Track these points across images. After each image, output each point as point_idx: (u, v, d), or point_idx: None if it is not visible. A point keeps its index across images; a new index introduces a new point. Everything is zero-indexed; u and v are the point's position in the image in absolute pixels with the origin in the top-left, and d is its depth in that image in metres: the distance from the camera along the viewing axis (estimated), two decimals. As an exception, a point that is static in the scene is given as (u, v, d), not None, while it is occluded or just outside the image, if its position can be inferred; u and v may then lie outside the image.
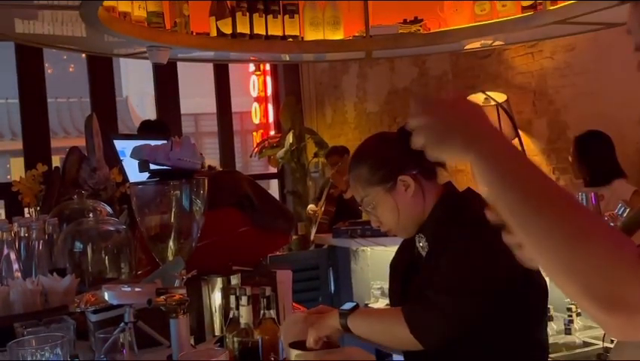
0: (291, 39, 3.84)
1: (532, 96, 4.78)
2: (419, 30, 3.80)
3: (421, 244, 1.73)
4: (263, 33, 3.75)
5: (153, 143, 1.91)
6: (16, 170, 12.94)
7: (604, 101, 4.08)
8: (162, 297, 1.31)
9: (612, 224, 2.83)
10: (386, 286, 3.81)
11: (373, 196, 1.72)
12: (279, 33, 3.79)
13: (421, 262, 1.72)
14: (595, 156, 3.57)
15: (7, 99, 13.06)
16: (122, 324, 1.28)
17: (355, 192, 1.78)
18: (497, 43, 4.48)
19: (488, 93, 4.61)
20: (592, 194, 3.03)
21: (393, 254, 3.79)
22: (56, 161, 7.49)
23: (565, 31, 3.92)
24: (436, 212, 1.71)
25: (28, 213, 2.66)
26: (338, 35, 3.89)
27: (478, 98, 4.66)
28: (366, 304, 3.91)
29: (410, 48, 4.08)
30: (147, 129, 4.31)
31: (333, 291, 4.17)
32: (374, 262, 3.97)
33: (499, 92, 4.71)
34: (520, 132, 4.53)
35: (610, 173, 3.47)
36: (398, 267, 1.89)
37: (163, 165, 1.79)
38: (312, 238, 5.79)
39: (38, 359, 1.01)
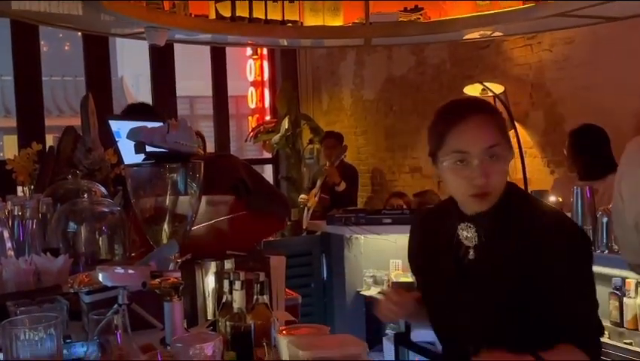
0: (290, 24, 3.82)
1: (529, 88, 4.77)
2: (420, 18, 3.79)
3: (467, 234, 1.57)
4: (263, 17, 3.73)
5: (149, 125, 1.90)
6: (9, 147, 12.87)
7: (601, 95, 4.08)
8: (157, 280, 1.31)
9: (606, 219, 2.85)
10: (378, 274, 3.85)
11: (503, 146, 1.51)
12: (279, 18, 3.77)
13: (463, 253, 1.58)
14: (589, 150, 3.57)
15: (0, 76, 12.97)
16: (115, 306, 1.28)
17: (489, 134, 1.51)
18: (496, 34, 4.47)
19: (485, 84, 4.60)
20: (587, 188, 3.04)
21: (386, 243, 3.82)
22: (50, 140, 7.45)
23: (564, 23, 3.91)
24: (512, 204, 1.55)
25: (22, 191, 2.65)
26: (338, 22, 3.87)
27: (475, 88, 4.65)
28: (358, 292, 3.93)
29: (410, 36, 4.07)
30: (133, 113, 4.24)
31: (325, 278, 4.17)
32: (367, 250, 3.97)
33: (496, 83, 4.70)
34: (516, 124, 4.53)
35: (604, 167, 3.48)
36: (436, 257, 1.68)
37: (159, 148, 1.78)
38: (304, 225, 5.80)
39: (32, 339, 1.00)
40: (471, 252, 1.57)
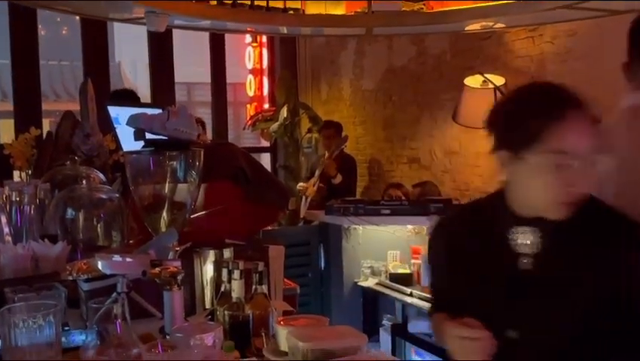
0: (291, 11, 3.79)
1: (530, 80, 4.75)
2: (423, 8, 3.77)
3: (525, 241, 1.39)
4: (264, 4, 3.71)
5: (149, 111, 1.88)
6: (5, 131, 12.80)
7: (603, 88, 4.04)
8: (157, 269, 1.30)
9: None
10: (376, 265, 3.84)
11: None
12: (280, 5, 3.74)
13: (515, 261, 1.40)
14: None
15: (-2, 60, 12.89)
16: (115, 294, 1.27)
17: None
18: (498, 25, 4.45)
19: (486, 75, 4.58)
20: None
21: (384, 233, 3.82)
22: (47, 124, 7.42)
23: (567, 16, 3.89)
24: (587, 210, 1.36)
25: (20, 176, 2.63)
26: (339, 10, 3.84)
27: (476, 79, 4.63)
28: (355, 283, 3.92)
29: (412, 26, 4.05)
30: (117, 99, 4.19)
31: (323, 268, 4.17)
32: (365, 240, 3.97)
33: (497, 75, 4.68)
34: (516, 117, 4.51)
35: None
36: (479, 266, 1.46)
37: (158, 135, 1.76)
38: (302, 214, 5.80)
39: (30, 326, 0.99)
40: (527, 260, 1.39)
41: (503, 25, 4.45)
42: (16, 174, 2.75)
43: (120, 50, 14.68)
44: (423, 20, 3.88)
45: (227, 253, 1.86)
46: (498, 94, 4.51)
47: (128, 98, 4.03)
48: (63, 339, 1.24)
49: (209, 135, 7.06)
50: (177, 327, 1.27)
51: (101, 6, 3.99)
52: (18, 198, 1.91)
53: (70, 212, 1.96)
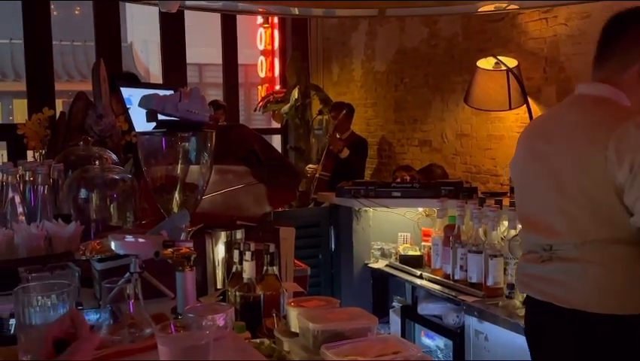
0: (303, -8, 3.76)
1: (543, 63, 4.71)
2: (435, -11, 3.72)
3: None
4: (275, -15, 3.68)
5: (161, 92, 1.88)
6: (19, 111, 12.88)
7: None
8: (169, 250, 1.31)
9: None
10: (386, 247, 3.85)
11: None
12: (291, -15, 3.72)
13: None
14: None
15: (10, 40, 12.92)
16: (127, 274, 1.28)
17: None
18: (511, 6, 4.40)
19: (499, 58, 4.54)
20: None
21: (395, 216, 3.82)
22: (59, 104, 7.45)
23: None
24: None
25: (33, 156, 2.65)
26: (351, -10, 3.82)
27: (489, 62, 4.60)
28: (365, 264, 3.93)
29: (425, 8, 4.01)
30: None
31: (333, 249, 4.18)
32: (376, 222, 3.97)
33: (510, 57, 4.64)
34: (529, 99, 4.48)
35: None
36: None
37: (171, 116, 1.77)
38: (312, 195, 5.82)
39: (44, 305, 1.00)
40: None
41: (516, 7, 4.40)
42: (30, 154, 2.77)
43: (132, 30, 14.66)
44: (436, 1, 3.84)
45: (239, 235, 1.88)
46: (511, 76, 4.48)
47: (129, 81, 4.04)
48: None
49: (220, 116, 7.07)
50: (189, 308, 1.28)
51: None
52: (32, 178, 1.92)
53: (83, 192, 1.98)
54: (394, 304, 3.68)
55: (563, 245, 1.87)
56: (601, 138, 1.74)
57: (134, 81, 3.89)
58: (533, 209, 1.99)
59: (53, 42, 6.82)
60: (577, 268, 1.83)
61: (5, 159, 5.73)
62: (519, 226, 2.33)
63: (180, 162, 1.80)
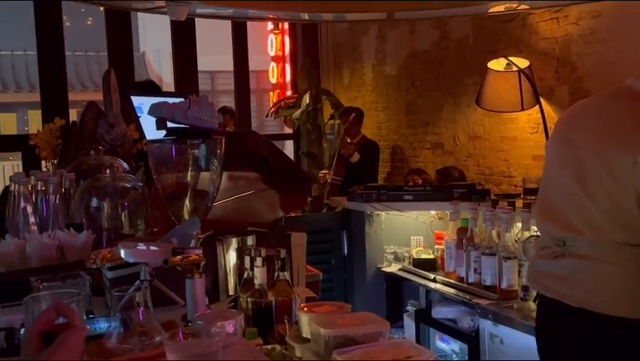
0: (312, -3, 3.77)
1: (555, 63, 4.68)
2: (443, -8, 3.71)
3: None
4: (284, -9, 3.69)
5: (171, 100, 1.89)
6: (33, 122, 13.01)
7: (628, 70, 3.97)
8: (178, 257, 1.31)
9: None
10: (399, 250, 3.84)
11: None
12: (300, -9, 3.73)
13: None
14: None
15: (25, 51, 13.06)
16: (137, 282, 1.28)
17: None
18: (522, 7, 4.38)
19: (510, 58, 4.52)
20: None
21: (407, 219, 3.81)
22: (73, 114, 7.51)
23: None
24: None
25: (46, 166, 2.67)
26: (360, -5, 3.82)
27: (500, 63, 4.58)
28: (378, 268, 3.92)
29: (434, 10, 4.00)
30: (138, 89, 4.22)
31: (346, 254, 4.17)
32: (388, 226, 3.96)
33: (521, 58, 4.62)
34: (541, 99, 4.45)
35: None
36: None
37: (180, 124, 1.77)
38: (325, 200, 5.82)
39: (54, 315, 1.01)
40: None
41: (527, 7, 4.38)
42: (43, 164, 2.79)
43: (145, 39, 14.78)
44: (445, 3, 3.83)
45: (250, 241, 1.88)
46: (523, 77, 4.45)
47: (149, 89, 4.06)
48: (87, 327, 1.26)
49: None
50: (198, 315, 1.28)
51: (123, -4, 4.02)
52: (44, 188, 1.94)
53: (95, 201, 1.99)
54: (408, 308, 3.66)
55: (577, 241, 1.83)
56: (634, 141, 1.69)
57: (154, 89, 3.92)
58: (553, 197, 1.94)
59: (66, 53, 6.88)
60: (589, 267, 1.79)
61: (20, 169, 5.79)
62: (533, 221, 2.28)
63: (190, 169, 1.80)
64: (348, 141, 6.07)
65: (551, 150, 2.01)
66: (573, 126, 1.93)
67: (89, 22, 14.10)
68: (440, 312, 3.31)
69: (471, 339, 3.08)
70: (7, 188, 2.10)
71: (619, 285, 1.75)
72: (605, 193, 1.76)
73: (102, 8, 6.86)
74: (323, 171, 6.50)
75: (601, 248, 1.78)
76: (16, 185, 1.90)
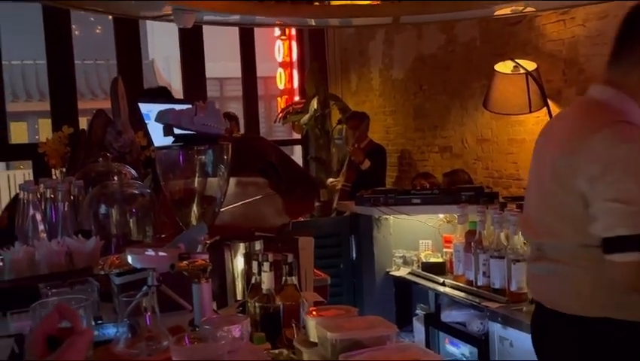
0: (317, 3, 3.78)
1: (563, 65, 4.67)
2: (449, -5, 3.72)
3: None
4: (290, -3, 3.71)
5: (177, 107, 1.90)
6: (44, 131, 13.10)
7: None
8: (184, 262, 1.32)
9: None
10: (408, 254, 3.83)
11: None
12: (306, -3, 3.74)
13: None
14: None
15: (35, 60, 13.17)
16: (145, 288, 1.29)
17: None
18: (528, 9, 4.37)
19: (517, 61, 4.51)
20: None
21: (415, 223, 3.81)
22: (83, 123, 7.56)
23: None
24: None
25: (54, 174, 2.69)
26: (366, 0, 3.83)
27: (507, 65, 4.57)
28: (387, 272, 3.91)
29: (440, 14, 4.00)
30: (150, 96, 4.24)
31: (354, 258, 4.17)
32: (396, 230, 3.95)
33: (529, 60, 4.61)
34: (549, 101, 4.44)
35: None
36: None
37: (187, 130, 1.78)
38: (334, 205, 5.82)
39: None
40: None
41: (533, 9, 4.37)
42: (53, 172, 2.82)
43: (154, 47, 14.87)
44: (450, 7, 3.83)
45: (257, 246, 1.88)
46: (530, 79, 4.45)
47: (161, 95, 4.08)
48: (95, 332, 1.27)
49: (241, 130, 7.12)
50: (205, 319, 1.29)
51: (131, 5, 4.04)
52: (52, 196, 1.95)
53: (103, 208, 2.00)
54: (417, 312, 3.66)
55: (545, 245, 1.91)
56: (574, 147, 1.74)
57: (165, 95, 3.94)
58: (526, 204, 2.06)
59: (76, 61, 6.94)
60: (554, 269, 1.86)
61: (31, 178, 5.83)
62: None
63: (197, 175, 1.81)
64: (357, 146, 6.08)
65: (532, 160, 2.12)
66: (543, 136, 2.02)
67: (98, 31, 14.19)
68: (449, 316, 3.30)
69: (481, 343, 3.07)
70: (16, 196, 2.12)
71: (573, 286, 1.81)
72: (556, 200, 1.82)
73: (110, 17, 6.91)
74: (331, 180, 6.51)
75: (562, 251, 1.84)
76: (25, 193, 1.92)
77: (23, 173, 10.66)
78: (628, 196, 1.63)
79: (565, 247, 1.83)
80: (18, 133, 14.11)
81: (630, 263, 1.63)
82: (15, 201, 2.18)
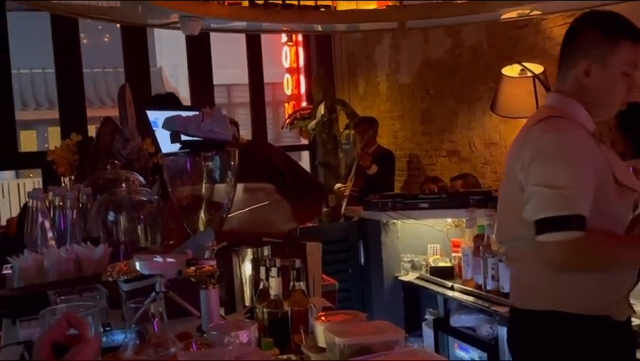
0: (323, 9, 3.79)
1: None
2: (455, -1, 3.72)
3: None
4: (296, 3, 3.72)
5: (184, 114, 1.91)
6: (53, 139, 13.18)
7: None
8: (192, 268, 1.32)
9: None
10: (416, 259, 3.82)
11: None
12: (312, 3, 3.75)
13: None
14: (635, 128, 3.47)
15: (44, 69, 13.26)
16: (153, 294, 1.30)
17: None
18: (535, 12, 4.37)
19: (524, 64, 4.50)
20: (631, 167, 2.95)
21: (424, 227, 3.80)
22: (92, 130, 7.60)
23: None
24: None
25: (64, 182, 2.71)
26: (371, 5, 3.83)
27: (514, 69, 4.56)
28: (396, 277, 3.91)
29: (445, 18, 4.00)
30: (158, 103, 4.26)
31: (363, 263, 4.17)
32: (405, 235, 3.95)
33: (536, 63, 4.60)
34: (557, 105, 4.43)
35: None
36: None
37: (194, 137, 1.79)
38: (342, 211, 5.81)
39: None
40: None
41: (540, 12, 4.36)
42: (63, 180, 2.83)
43: (161, 55, 14.94)
44: (456, 11, 3.83)
45: (265, 251, 1.88)
46: (537, 82, 4.43)
47: (168, 101, 4.10)
48: (104, 339, 1.28)
49: (249, 136, 7.15)
50: (213, 325, 1.29)
51: (138, 13, 4.07)
52: (61, 203, 1.96)
53: (112, 215, 2.01)
54: (426, 317, 3.65)
55: (506, 244, 2.05)
56: (518, 143, 1.89)
57: (174, 102, 3.96)
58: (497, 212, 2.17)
59: (85, 70, 6.98)
60: (512, 266, 2.03)
61: (40, 186, 5.86)
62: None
63: (204, 181, 1.81)
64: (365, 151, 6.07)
65: None
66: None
67: (106, 39, 14.28)
68: (458, 320, 3.29)
69: (491, 347, 3.05)
70: (25, 204, 2.14)
71: (529, 280, 1.91)
72: (509, 197, 1.94)
73: (118, 25, 6.95)
74: (339, 185, 6.51)
75: (516, 248, 1.95)
76: (34, 201, 1.93)
77: (33, 181, 10.72)
78: (553, 180, 1.74)
79: (518, 244, 1.91)
80: (27, 141, 14.20)
81: (559, 243, 1.72)
82: (25, 209, 2.19)
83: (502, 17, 4.39)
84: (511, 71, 4.58)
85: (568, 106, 1.87)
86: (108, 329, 1.38)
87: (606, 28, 1.87)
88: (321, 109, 7.27)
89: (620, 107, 1.91)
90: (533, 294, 1.88)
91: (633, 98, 1.91)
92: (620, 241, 1.83)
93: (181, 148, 1.85)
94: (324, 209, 6.12)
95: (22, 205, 4.90)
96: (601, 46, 1.85)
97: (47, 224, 1.86)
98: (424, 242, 3.85)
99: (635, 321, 2.23)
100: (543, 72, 4.52)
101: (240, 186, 1.97)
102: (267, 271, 1.64)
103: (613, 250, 1.81)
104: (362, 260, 4.16)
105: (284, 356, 1.46)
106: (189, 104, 6.95)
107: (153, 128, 2.88)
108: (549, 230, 1.72)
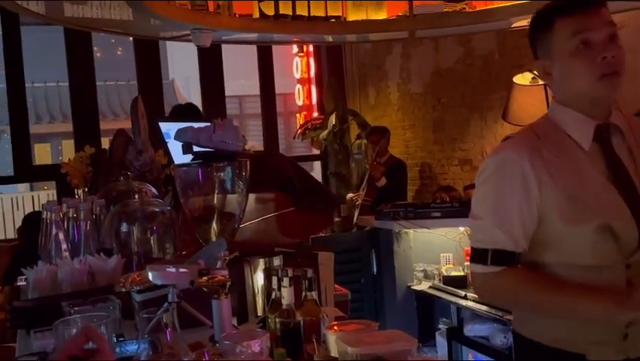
0: (333, 20, 3.81)
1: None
2: (465, 8, 3.73)
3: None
4: (306, 14, 3.74)
5: (196, 125, 1.92)
6: (67, 152, 13.31)
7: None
8: (204, 278, 1.33)
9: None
10: (429, 268, 3.81)
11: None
12: (322, 14, 3.77)
13: None
14: None
15: (58, 82, 13.40)
16: (165, 304, 1.30)
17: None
18: (545, 20, 4.35)
19: (536, 72, 4.49)
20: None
21: (436, 236, 3.80)
22: (106, 143, 7.65)
23: (615, 7, 3.78)
24: None
25: (77, 194, 2.73)
26: (381, 15, 3.84)
27: (525, 77, 4.55)
28: (408, 286, 3.89)
29: (455, 27, 4.01)
30: (179, 114, 4.30)
31: (375, 273, 4.16)
32: (417, 244, 3.94)
33: (547, 72, 4.58)
34: (568, 112, 4.41)
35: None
36: None
37: (206, 148, 1.80)
38: (354, 220, 5.81)
39: (84, 338, 1.03)
40: None
41: (550, 20, 4.35)
42: (77, 192, 2.86)
43: (174, 67, 15.05)
44: (466, 20, 3.84)
45: (277, 261, 1.89)
46: (549, 90, 4.42)
47: (188, 112, 4.13)
48: (118, 349, 1.28)
49: (260, 147, 7.17)
50: (225, 335, 1.29)
51: (151, 26, 4.11)
52: (75, 215, 1.98)
53: (124, 226, 2.02)
54: (440, 326, 3.63)
55: None
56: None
57: (194, 112, 3.99)
58: None
59: (98, 83, 7.05)
60: None
61: (55, 198, 5.91)
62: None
63: (216, 191, 1.82)
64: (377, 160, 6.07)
65: None
66: None
67: (119, 53, 14.43)
68: (472, 329, 3.27)
69: (504, 356, 3.03)
70: (27, 216, 2.15)
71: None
72: None
73: (131, 38, 7.02)
74: (351, 194, 6.51)
75: None
76: (48, 213, 1.95)
77: (47, 194, 10.80)
78: (475, 209, 1.67)
79: None
80: (41, 154, 14.33)
81: (477, 274, 1.65)
82: (31, 219, 2.21)
83: (512, 26, 4.39)
84: (522, 79, 4.57)
85: (559, 116, 1.72)
86: (121, 339, 1.39)
87: (535, 23, 1.71)
88: (333, 119, 7.28)
89: (615, 76, 1.59)
90: (518, 318, 1.79)
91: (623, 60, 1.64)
92: (549, 288, 1.59)
93: (193, 159, 1.86)
94: (336, 219, 6.12)
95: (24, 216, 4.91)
96: (541, 40, 1.69)
97: (61, 236, 1.88)
98: (436, 251, 3.84)
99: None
100: (554, 80, 4.50)
101: (252, 197, 1.98)
102: (279, 281, 1.65)
103: (532, 296, 1.61)
104: (374, 270, 4.15)
105: (297, 366, 1.46)
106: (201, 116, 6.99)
107: (166, 140, 2.91)
108: (471, 260, 1.67)
